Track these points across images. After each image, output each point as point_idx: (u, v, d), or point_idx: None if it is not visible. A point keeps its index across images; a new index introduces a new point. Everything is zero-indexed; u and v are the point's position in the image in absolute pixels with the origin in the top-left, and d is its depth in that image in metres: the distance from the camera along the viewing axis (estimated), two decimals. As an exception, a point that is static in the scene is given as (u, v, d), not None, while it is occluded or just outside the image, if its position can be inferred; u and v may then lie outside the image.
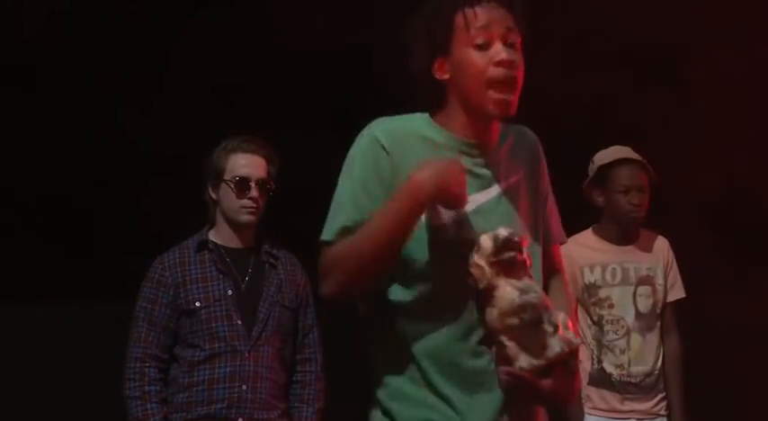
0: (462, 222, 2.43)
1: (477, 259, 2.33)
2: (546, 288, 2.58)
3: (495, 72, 2.40)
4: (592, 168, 4.36)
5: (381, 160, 2.43)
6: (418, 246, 2.42)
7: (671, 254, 4.36)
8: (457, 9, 2.44)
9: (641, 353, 4.25)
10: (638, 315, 4.26)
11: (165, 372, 3.59)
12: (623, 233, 4.32)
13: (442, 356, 2.43)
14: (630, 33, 6.65)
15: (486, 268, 2.32)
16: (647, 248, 4.34)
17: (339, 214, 2.44)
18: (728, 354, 6.24)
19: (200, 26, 7.64)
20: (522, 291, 2.31)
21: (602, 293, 4.27)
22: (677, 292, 4.34)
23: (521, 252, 2.34)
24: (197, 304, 3.56)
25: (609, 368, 4.24)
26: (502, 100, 2.42)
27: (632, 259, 4.30)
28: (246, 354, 3.54)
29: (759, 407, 5.80)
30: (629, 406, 4.25)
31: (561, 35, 6.62)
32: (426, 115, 2.52)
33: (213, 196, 3.67)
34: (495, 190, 2.49)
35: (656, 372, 4.28)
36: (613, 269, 4.29)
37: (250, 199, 3.60)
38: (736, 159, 6.47)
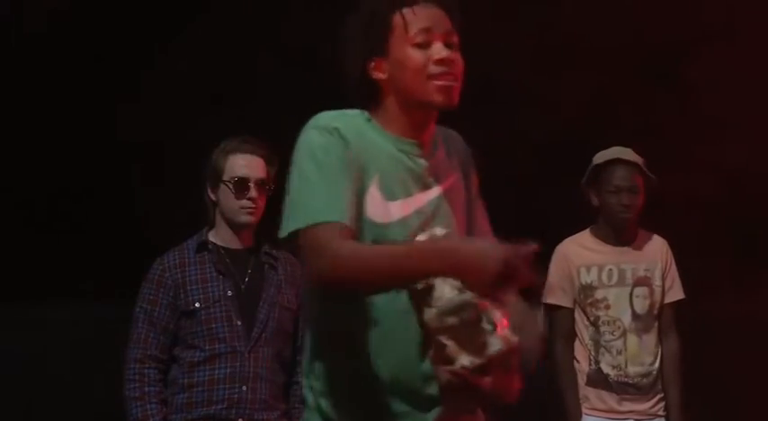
0: (406, 224, 2.44)
1: None
2: None
3: (436, 68, 2.44)
4: (589, 169, 4.37)
5: (342, 148, 2.41)
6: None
7: (669, 255, 4.36)
8: (395, 9, 2.46)
9: (638, 354, 4.25)
10: (635, 316, 4.26)
11: (164, 373, 3.59)
12: (618, 233, 4.32)
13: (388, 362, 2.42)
14: (630, 33, 6.65)
15: None
16: (645, 249, 4.34)
17: (322, 202, 2.36)
18: (728, 354, 6.23)
19: (200, 26, 7.64)
20: (460, 290, 2.31)
21: (599, 294, 4.27)
22: (676, 294, 4.34)
23: None
24: (197, 305, 3.56)
25: (606, 368, 4.24)
26: (446, 86, 2.44)
27: (629, 260, 4.30)
28: (246, 355, 3.54)
29: (758, 407, 5.79)
30: (627, 406, 4.25)
31: (561, 35, 6.62)
32: (364, 113, 2.52)
33: (212, 197, 3.66)
34: (435, 191, 2.51)
35: (654, 373, 4.27)
36: (610, 270, 4.29)
37: (249, 199, 3.60)
38: (736, 159, 6.46)
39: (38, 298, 7.50)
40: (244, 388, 3.53)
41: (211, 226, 3.68)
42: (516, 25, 6.53)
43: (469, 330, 2.32)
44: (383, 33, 2.46)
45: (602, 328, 4.25)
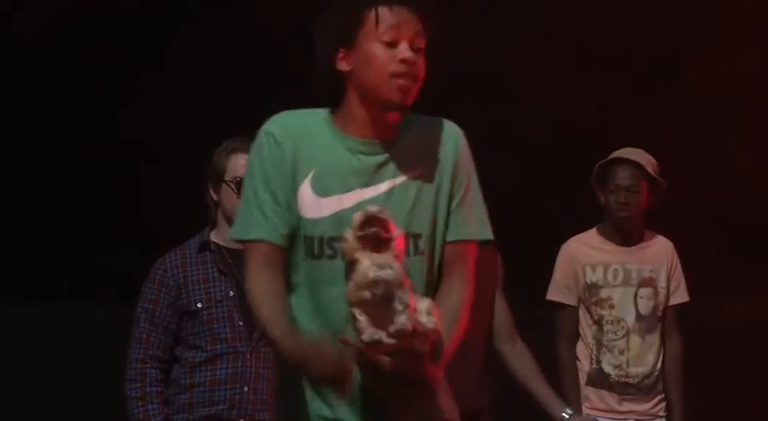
0: (340, 219, 2.52)
1: (346, 234, 2.44)
2: (442, 284, 2.63)
3: (399, 67, 2.52)
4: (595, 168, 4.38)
5: (274, 151, 2.56)
6: (298, 246, 2.54)
7: (675, 257, 4.36)
8: (369, 5, 2.54)
9: (640, 355, 4.25)
10: (639, 316, 4.26)
11: (166, 373, 3.58)
12: (621, 232, 4.32)
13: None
14: (631, 34, 6.65)
15: (352, 242, 2.42)
16: (652, 250, 4.34)
17: (250, 219, 2.57)
18: (728, 354, 6.24)
19: (200, 26, 7.64)
20: (379, 267, 2.39)
21: (604, 293, 4.27)
22: (680, 296, 4.35)
23: (386, 230, 2.43)
24: (198, 305, 3.55)
25: (607, 368, 4.25)
26: (403, 85, 2.53)
27: (635, 260, 4.31)
28: (248, 356, 3.53)
29: (759, 407, 5.80)
30: (627, 406, 4.26)
31: (562, 36, 6.62)
32: (325, 112, 2.62)
33: (214, 197, 3.65)
34: (385, 185, 2.57)
35: (656, 374, 4.28)
36: (615, 269, 4.29)
37: (251, 199, 3.59)
38: (736, 160, 6.47)
39: (38, 298, 7.51)
40: (245, 388, 3.53)
41: (213, 226, 3.68)
42: (517, 25, 6.53)
43: (381, 307, 2.39)
44: (353, 25, 2.54)
45: (606, 328, 4.25)
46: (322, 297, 2.54)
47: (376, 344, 2.38)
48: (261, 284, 2.54)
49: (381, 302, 2.38)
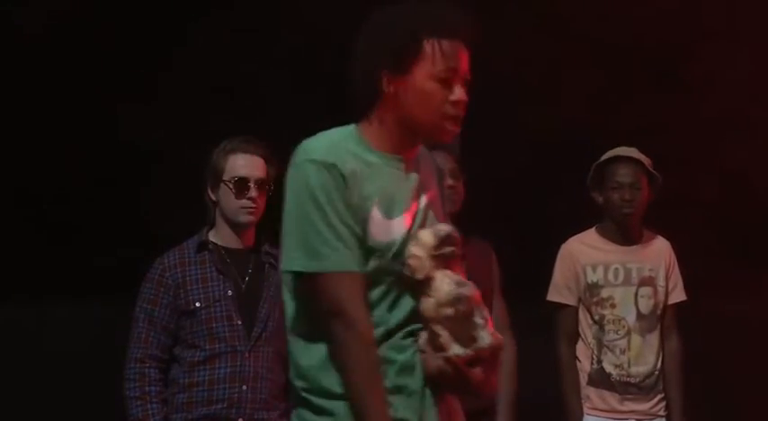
0: (409, 238, 2.49)
1: (417, 251, 2.46)
2: None
3: (452, 110, 2.50)
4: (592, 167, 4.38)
5: (341, 185, 2.45)
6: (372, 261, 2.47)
7: (672, 256, 4.37)
8: (428, 36, 2.48)
9: (641, 354, 4.26)
10: (640, 315, 4.27)
11: (165, 373, 3.59)
12: (623, 231, 4.33)
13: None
14: (631, 33, 6.65)
15: (426, 260, 2.45)
16: (650, 249, 4.34)
17: (327, 249, 2.43)
18: (728, 354, 6.24)
19: (201, 26, 7.65)
20: (458, 284, 2.46)
21: (605, 293, 4.27)
22: (678, 295, 4.35)
23: (459, 248, 2.49)
24: (197, 304, 3.56)
25: (608, 368, 4.25)
26: (453, 131, 2.53)
27: (635, 259, 4.31)
28: (246, 355, 3.55)
29: (759, 407, 5.80)
30: (628, 406, 4.26)
31: (563, 35, 6.62)
32: (352, 128, 2.55)
33: (212, 197, 3.66)
34: (423, 200, 2.57)
35: (656, 373, 4.28)
36: (616, 269, 4.29)
37: (249, 199, 3.60)
38: (736, 159, 6.47)
39: (38, 297, 7.52)
40: (244, 387, 3.54)
41: (211, 225, 3.68)
42: (517, 24, 6.53)
43: (463, 322, 2.47)
44: (411, 54, 2.47)
45: (607, 327, 4.25)
46: (391, 311, 2.50)
47: (467, 357, 2.45)
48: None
49: (462, 318, 2.45)
